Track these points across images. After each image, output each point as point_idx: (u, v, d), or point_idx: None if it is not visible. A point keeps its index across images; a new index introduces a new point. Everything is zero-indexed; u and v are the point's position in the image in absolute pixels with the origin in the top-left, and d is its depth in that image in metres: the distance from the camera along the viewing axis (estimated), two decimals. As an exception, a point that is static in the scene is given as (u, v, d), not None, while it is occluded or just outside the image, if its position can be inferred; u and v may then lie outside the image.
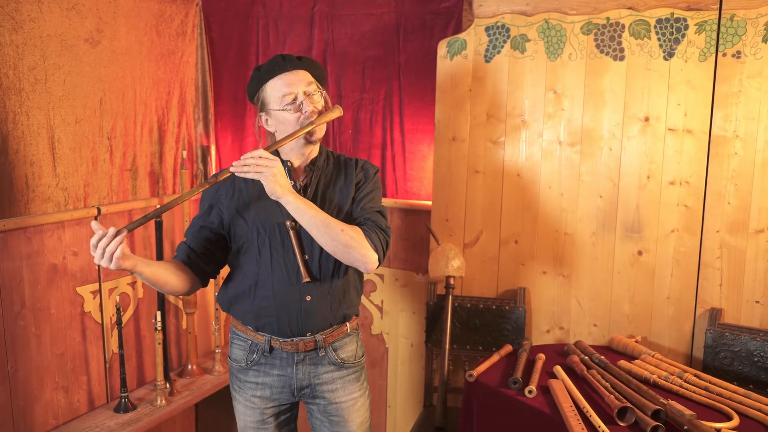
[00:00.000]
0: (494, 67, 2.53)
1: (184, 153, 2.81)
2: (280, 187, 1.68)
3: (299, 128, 1.76)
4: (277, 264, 1.81)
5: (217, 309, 2.84)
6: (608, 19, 2.36)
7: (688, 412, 1.75)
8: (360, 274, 1.95)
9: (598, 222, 2.46)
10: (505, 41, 2.50)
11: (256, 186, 1.80)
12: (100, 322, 2.48)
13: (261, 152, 1.68)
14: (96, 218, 2.41)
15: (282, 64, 1.80)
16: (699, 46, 2.27)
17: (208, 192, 1.87)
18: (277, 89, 1.78)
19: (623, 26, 2.35)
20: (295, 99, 1.77)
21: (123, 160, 2.58)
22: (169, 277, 1.74)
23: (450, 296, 2.54)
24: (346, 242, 1.70)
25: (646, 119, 2.36)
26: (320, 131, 1.82)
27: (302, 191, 1.83)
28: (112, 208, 2.47)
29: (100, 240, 1.52)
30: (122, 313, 2.50)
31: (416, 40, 2.75)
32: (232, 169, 1.68)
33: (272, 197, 1.69)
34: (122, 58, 2.53)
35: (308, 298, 1.81)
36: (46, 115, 2.26)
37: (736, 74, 2.23)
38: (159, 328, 2.49)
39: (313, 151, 1.88)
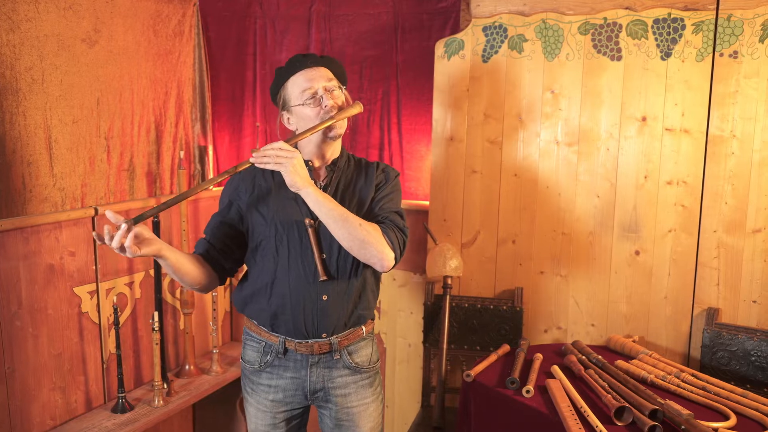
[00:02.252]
0: (492, 67, 2.53)
1: (182, 153, 2.81)
2: (300, 178, 1.67)
3: (319, 123, 1.75)
4: (295, 262, 1.79)
5: (214, 309, 2.83)
6: (605, 19, 2.37)
7: (685, 411, 1.76)
8: (377, 277, 1.93)
9: (596, 222, 2.46)
10: (502, 41, 2.50)
11: (276, 183, 1.80)
12: (98, 322, 2.48)
13: (281, 144, 1.68)
14: (93, 219, 2.40)
15: (302, 61, 1.81)
16: (696, 46, 2.27)
17: (228, 188, 1.88)
18: (298, 85, 1.79)
19: (620, 26, 2.35)
20: (314, 94, 1.77)
21: (120, 160, 2.57)
22: (191, 267, 1.74)
23: (447, 296, 2.54)
24: (363, 237, 1.69)
25: (644, 119, 2.36)
26: (340, 127, 1.80)
27: (322, 190, 1.81)
28: (109, 209, 2.46)
29: (107, 234, 1.53)
30: (119, 313, 2.50)
31: (414, 39, 2.75)
32: (252, 160, 1.67)
33: (292, 189, 1.69)
34: (119, 58, 2.53)
35: (324, 297, 1.80)
36: (43, 116, 2.25)
37: (733, 74, 2.23)
38: (156, 329, 2.48)
39: (335, 151, 1.87)
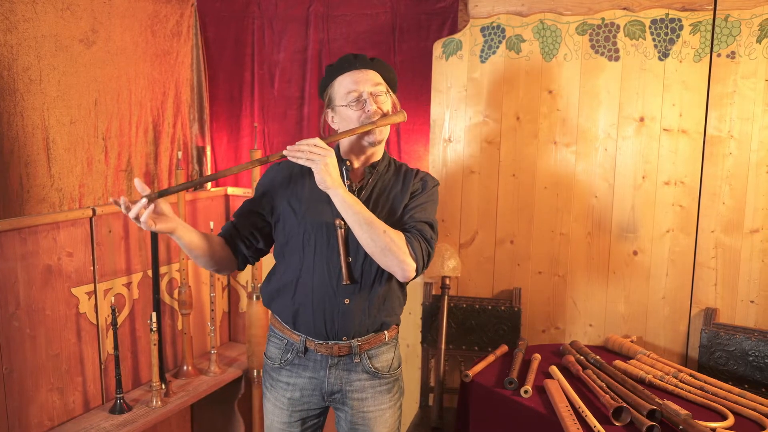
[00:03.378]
0: (489, 68, 2.53)
1: (180, 154, 2.81)
2: (330, 178, 1.66)
3: (359, 126, 1.75)
4: (320, 263, 1.79)
5: (212, 310, 2.83)
6: (603, 19, 2.37)
7: (683, 411, 1.76)
8: (403, 284, 1.91)
9: (594, 222, 2.46)
10: (500, 42, 2.50)
11: (312, 181, 1.78)
12: (95, 323, 2.47)
13: (317, 140, 1.67)
14: (91, 219, 2.40)
15: (352, 62, 1.80)
16: (694, 46, 2.27)
17: (264, 178, 1.89)
18: (344, 86, 1.78)
19: (618, 27, 2.35)
20: (359, 97, 1.76)
21: (118, 160, 2.57)
22: (205, 249, 1.76)
23: (446, 296, 2.55)
24: (385, 244, 1.67)
25: (641, 119, 2.37)
26: (380, 134, 1.79)
27: (356, 192, 1.80)
28: (107, 209, 2.46)
29: (127, 207, 1.59)
30: (117, 314, 2.50)
31: (412, 40, 2.75)
32: (285, 152, 1.67)
33: (321, 187, 1.68)
34: (117, 58, 2.53)
35: (346, 301, 1.78)
36: (40, 116, 2.25)
37: (730, 74, 2.24)
38: (154, 329, 2.48)
39: (375, 154, 1.85)
